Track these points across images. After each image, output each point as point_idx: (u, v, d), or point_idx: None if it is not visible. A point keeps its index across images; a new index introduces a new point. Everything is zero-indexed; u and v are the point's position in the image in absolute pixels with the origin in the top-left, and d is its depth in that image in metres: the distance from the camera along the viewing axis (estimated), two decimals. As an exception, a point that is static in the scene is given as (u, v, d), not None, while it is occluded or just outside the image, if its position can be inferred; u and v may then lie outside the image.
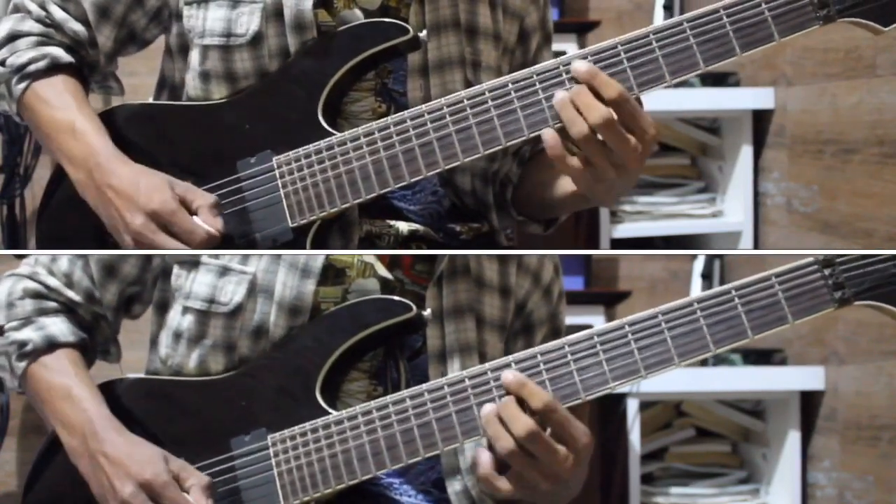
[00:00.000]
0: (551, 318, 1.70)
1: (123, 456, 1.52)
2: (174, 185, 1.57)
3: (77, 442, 1.56)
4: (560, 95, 1.50)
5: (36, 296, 1.65)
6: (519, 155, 1.77)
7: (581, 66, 1.50)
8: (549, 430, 1.43)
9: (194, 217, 1.55)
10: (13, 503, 2.89)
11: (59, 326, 1.63)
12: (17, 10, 1.69)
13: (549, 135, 1.50)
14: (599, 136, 1.48)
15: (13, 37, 1.67)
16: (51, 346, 1.61)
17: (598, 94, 1.48)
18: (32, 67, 1.64)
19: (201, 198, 1.57)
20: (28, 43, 1.66)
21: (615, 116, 1.48)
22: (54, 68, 1.65)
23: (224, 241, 1.57)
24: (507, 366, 1.47)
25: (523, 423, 1.42)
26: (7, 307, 1.64)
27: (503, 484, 1.45)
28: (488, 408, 1.45)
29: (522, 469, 1.44)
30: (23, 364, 1.61)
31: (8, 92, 1.66)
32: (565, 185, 1.64)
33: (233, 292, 1.57)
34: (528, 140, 1.55)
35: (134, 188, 1.56)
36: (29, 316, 1.63)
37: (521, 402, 1.44)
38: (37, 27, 1.67)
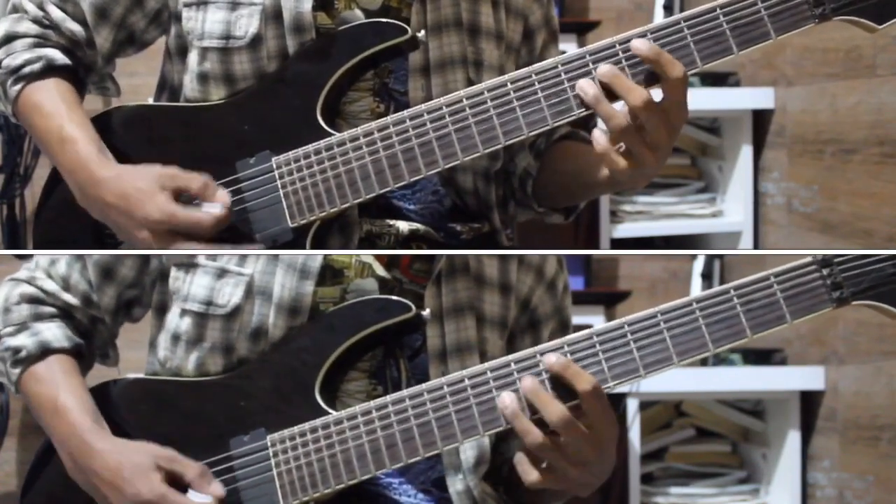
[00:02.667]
0: (557, 313, 1.70)
1: (114, 474, 1.51)
2: (162, 182, 1.55)
3: (68, 459, 1.56)
4: (591, 91, 1.50)
5: (32, 300, 1.65)
6: (535, 148, 1.77)
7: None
8: (584, 414, 1.43)
9: (198, 205, 1.55)
10: (13, 503, 2.89)
11: (53, 332, 1.63)
12: (15, 10, 1.69)
13: (600, 136, 1.51)
14: (638, 119, 1.49)
15: (10, 38, 1.66)
16: (44, 352, 1.61)
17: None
18: (27, 70, 1.64)
19: (192, 182, 1.55)
20: (24, 44, 1.66)
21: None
22: (49, 70, 1.65)
23: (223, 241, 1.57)
24: (507, 365, 1.47)
25: (557, 410, 1.43)
26: (4, 312, 1.64)
27: (535, 476, 1.46)
28: (511, 401, 1.45)
29: (553, 459, 1.44)
30: (17, 371, 1.62)
31: (4, 94, 1.66)
32: (595, 171, 1.64)
33: (230, 294, 1.56)
34: (537, 133, 1.55)
35: (126, 202, 1.56)
36: (24, 321, 1.63)
37: (561, 386, 1.44)
38: (33, 28, 1.67)
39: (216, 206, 1.54)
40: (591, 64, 1.51)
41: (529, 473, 1.46)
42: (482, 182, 1.71)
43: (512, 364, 1.47)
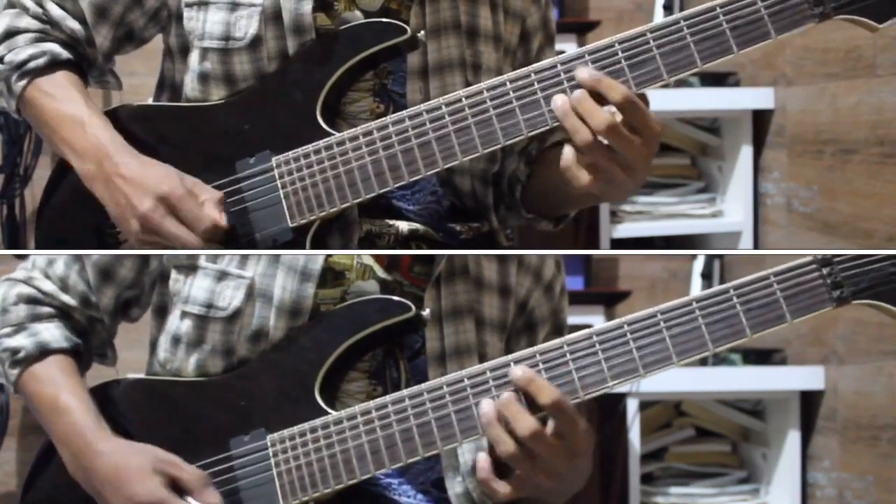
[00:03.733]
0: (553, 315, 1.69)
1: (138, 175, 1.55)
2: (183, 177, 1.57)
3: (70, 459, 1.56)
4: (560, 103, 1.50)
5: (30, 301, 1.65)
6: (526, 153, 1.77)
7: (584, 73, 1.50)
8: (552, 426, 1.43)
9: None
10: (13, 503, 2.89)
11: (51, 332, 1.63)
12: (12, 6, 1.69)
13: (568, 151, 1.50)
14: (605, 141, 1.48)
15: (11, 33, 1.66)
16: (43, 352, 1.61)
17: (601, 99, 1.48)
18: (32, 64, 1.64)
19: (208, 192, 1.57)
20: (26, 39, 1.66)
21: (619, 119, 1.48)
22: (54, 65, 1.65)
23: (224, 241, 1.57)
24: (506, 365, 1.47)
25: (526, 424, 1.43)
26: (1, 313, 1.64)
27: (503, 487, 1.46)
28: (487, 409, 1.45)
29: (524, 470, 1.44)
30: (16, 371, 1.61)
31: (7, 89, 1.66)
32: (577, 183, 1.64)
33: (231, 297, 1.56)
34: (530, 138, 1.55)
35: (143, 175, 1.57)
36: (22, 322, 1.63)
37: (527, 399, 1.44)
38: (34, 24, 1.67)
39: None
40: (590, 63, 1.51)
41: (496, 483, 1.46)
42: (479, 184, 1.70)
43: (512, 364, 1.46)
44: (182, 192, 1.55)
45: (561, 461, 1.44)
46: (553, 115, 1.51)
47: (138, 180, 1.56)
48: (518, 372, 1.44)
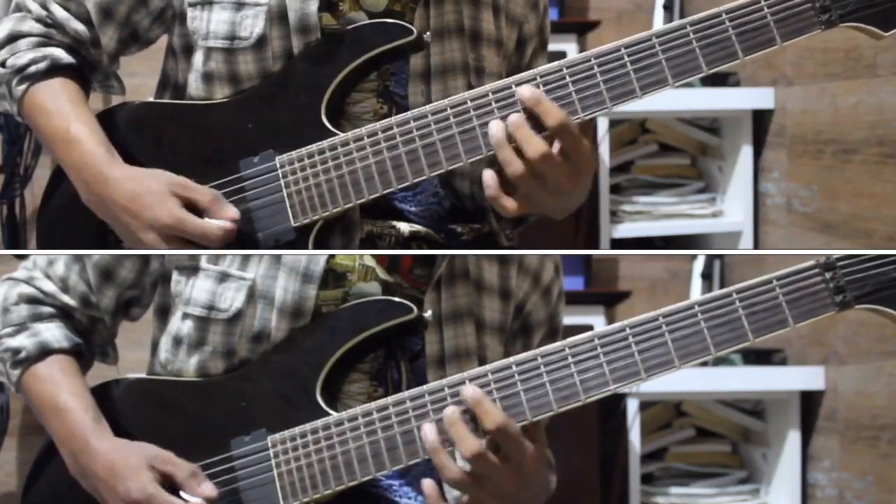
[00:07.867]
0: (550, 320, 1.70)
1: (109, 472, 1.53)
2: (174, 189, 1.56)
3: (70, 458, 1.58)
4: (496, 131, 1.50)
5: (31, 301, 1.65)
6: None
7: (527, 92, 1.50)
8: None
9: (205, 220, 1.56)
10: (13, 503, 2.89)
11: (52, 332, 1.63)
12: (18, 9, 1.69)
13: (490, 179, 1.51)
14: (537, 170, 1.49)
15: (14, 37, 1.66)
16: (44, 352, 1.62)
17: (539, 122, 1.49)
18: (33, 69, 1.64)
19: (202, 195, 1.56)
20: (28, 43, 1.66)
21: (555, 148, 1.49)
22: (54, 70, 1.65)
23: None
24: (507, 367, 1.47)
25: (469, 444, 1.44)
26: (3, 313, 1.65)
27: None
28: (431, 437, 1.45)
29: (470, 491, 1.45)
30: (17, 371, 1.62)
31: (9, 93, 1.66)
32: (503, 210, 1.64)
33: (232, 299, 1.56)
34: None
35: (136, 205, 1.56)
36: (24, 322, 1.64)
37: (475, 419, 1.45)
38: (37, 27, 1.67)
39: (225, 221, 1.55)
40: (596, 67, 1.51)
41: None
42: (478, 187, 1.70)
43: (513, 366, 1.47)
44: (179, 216, 1.54)
45: (506, 481, 1.45)
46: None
47: (132, 209, 1.56)
48: (469, 392, 1.44)
